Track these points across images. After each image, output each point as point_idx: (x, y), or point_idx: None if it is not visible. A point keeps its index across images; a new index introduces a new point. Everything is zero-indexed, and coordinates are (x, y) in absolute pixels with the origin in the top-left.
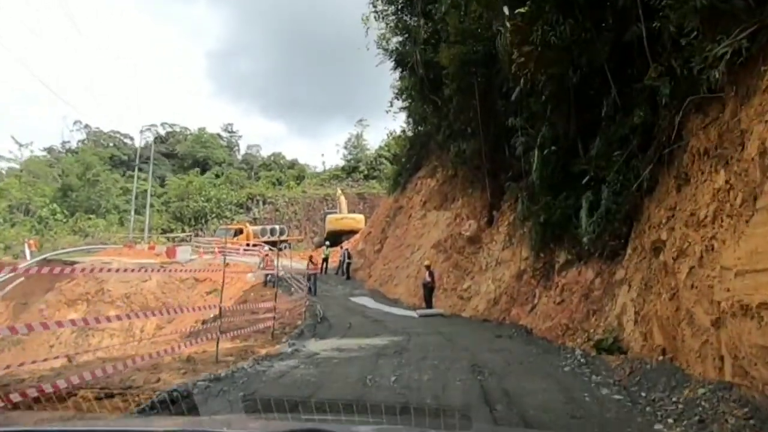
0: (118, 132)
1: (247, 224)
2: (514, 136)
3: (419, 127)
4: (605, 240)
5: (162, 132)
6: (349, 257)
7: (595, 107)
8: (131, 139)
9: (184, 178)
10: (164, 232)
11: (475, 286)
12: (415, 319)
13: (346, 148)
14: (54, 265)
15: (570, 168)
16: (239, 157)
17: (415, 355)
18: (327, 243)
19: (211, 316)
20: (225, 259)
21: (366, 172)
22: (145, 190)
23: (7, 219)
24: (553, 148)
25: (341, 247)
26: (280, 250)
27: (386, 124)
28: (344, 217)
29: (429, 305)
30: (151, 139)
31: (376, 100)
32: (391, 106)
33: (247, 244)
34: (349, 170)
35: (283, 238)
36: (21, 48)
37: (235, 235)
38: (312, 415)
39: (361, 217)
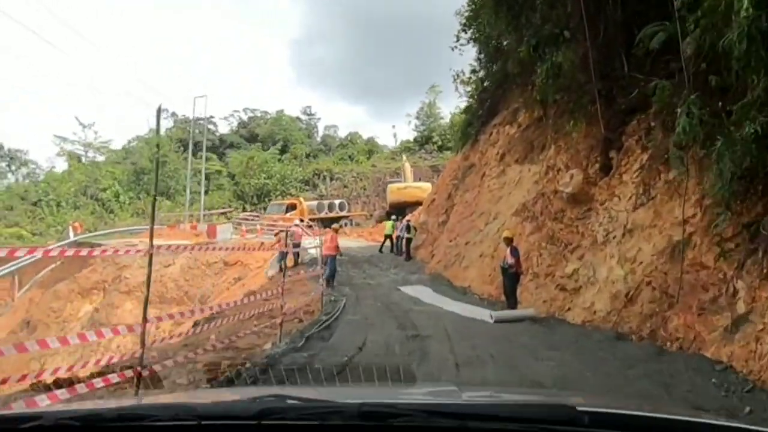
0: (202, 119)
1: (302, 199)
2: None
3: (492, 64)
4: None
5: (244, 117)
6: (408, 230)
7: None
8: (215, 125)
9: (246, 153)
10: (224, 212)
11: (587, 271)
12: (489, 326)
13: (418, 118)
14: (65, 249)
15: None
16: (318, 139)
17: None
18: (394, 217)
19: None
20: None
21: (440, 143)
22: (218, 171)
23: (70, 202)
24: None
25: (400, 221)
26: (340, 227)
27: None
28: (408, 186)
29: (512, 300)
30: (234, 124)
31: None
32: (457, 40)
33: (301, 221)
34: (422, 142)
35: (343, 213)
36: (114, 42)
37: (287, 210)
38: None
39: (428, 185)
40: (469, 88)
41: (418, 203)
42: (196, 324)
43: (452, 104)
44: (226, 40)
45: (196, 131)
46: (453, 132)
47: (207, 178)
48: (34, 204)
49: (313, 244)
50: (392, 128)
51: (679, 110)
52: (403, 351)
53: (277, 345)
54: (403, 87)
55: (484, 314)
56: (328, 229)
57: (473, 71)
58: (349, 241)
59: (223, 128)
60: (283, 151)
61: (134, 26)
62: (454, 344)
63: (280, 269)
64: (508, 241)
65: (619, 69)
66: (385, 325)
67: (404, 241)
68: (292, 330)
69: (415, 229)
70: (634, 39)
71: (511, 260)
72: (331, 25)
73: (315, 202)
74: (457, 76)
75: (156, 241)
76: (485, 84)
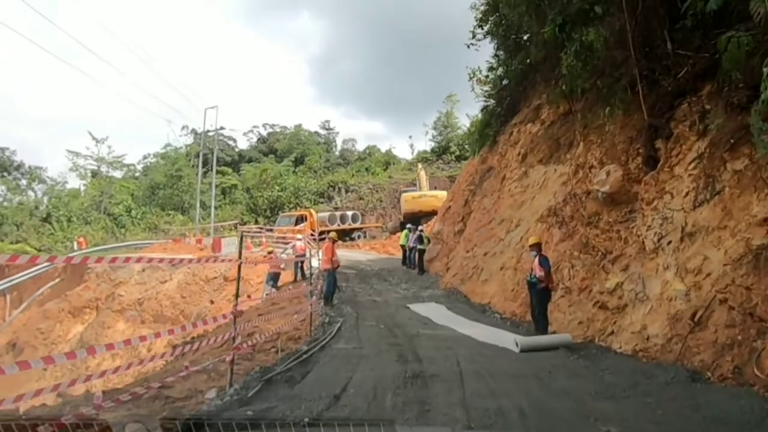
0: (222, 134)
1: (312, 210)
2: None
3: (512, 59)
4: None
5: (264, 132)
6: (421, 241)
7: None
8: (234, 141)
9: (258, 166)
10: (234, 224)
11: (633, 285)
12: (514, 358)
13: (435, 128)
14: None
15: None
16: (336, 153)
17: None
18: (409, 227)
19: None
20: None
21: (458, 153)
22: (233, 185)
23: (81, 217)
24: None
25: (413, 231)
26: (352, 239)
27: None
28: (423, 195)
29: (541, 323)
30: (254, 140)
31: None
32: (473, 36)
33: (312, 233)
34: (439, 152)
35: (356, 225)
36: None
37: (297, 222)
38: None
39: (444, 194)
40: (486, 87)
41: (434, 213)
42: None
43: (472, 111)
44: (247, 57)
45: (211, 145)
46: (470, 134)
47: (223, 192)
48: (44, 219)
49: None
50: (408, 138)
51: (765, 70)
52: (396, 402)
53: (224, 392)
54: (422, 101)
55: (508, 339)
56: (325, 240)
57: (491, 68)
58: (361, 254)
59: (243, 144)
60: (299, 163)
61: (154, 41)
62: (467, 389)
63: (274, 287)
64: (536, 248)
65: (662, 47)
66: (383, 356)
67: (416, 253)
68: (256, 367)
69: (428, 239)
70: (677, 12)
71: (539, 272)
72: (352, 42)
73: (326, 214)
74: (473, 74)
75: (164, 256)
76: (504, 81)
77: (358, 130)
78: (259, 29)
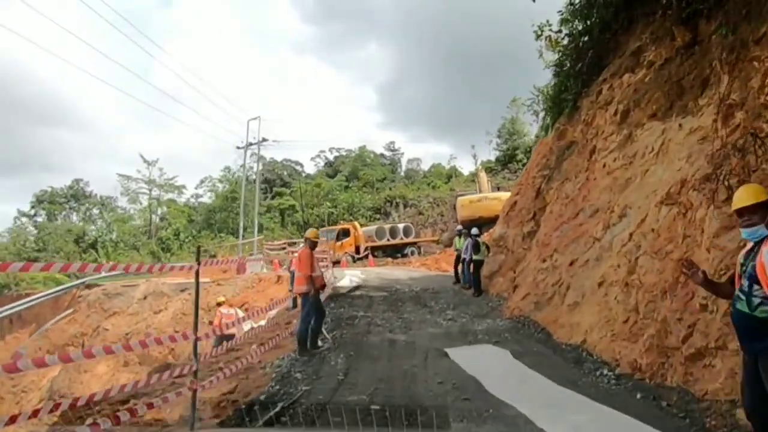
0: (290, 160)
1: (356, 223)
2: None
3: (593, 10)
4: None
5: (330, 156)
6: (477, 250)
7: None
8: (301, 165)
9: (310, 182)
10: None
11: None
12: None
13: (499, 136)
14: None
15: None
16: (402, 174)
17: None
18: (460, 229)
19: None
20: None
21: (525, 161)
22: (291, 206)
23: (128, 242)
24: None
25: (466, 235)
26: (404, 255)
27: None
28: (483, 198)
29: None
30: (321, 164)
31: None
32: None
33: (357, 249)
34: (505, 161)
35: (409, 239)
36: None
37: (339, 238)
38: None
39: (508, 196)
40: (559, 47)
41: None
42: None
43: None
44: (318, 88)
45: (284, 173)
46: (544, 100)
47: (281, 213)
48: (92, 246)
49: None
50: (471, 149)
51: None
52: None
53: None
54: (488, 120)
55: None
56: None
57: (564, 21)
58: (403, 271)
59: (310, 168)
60: (353, 178)
61: (223, 68)
62: None
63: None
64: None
65: None
66: None
67: (470, 266)
68: None
69: (487, 247)
70: None
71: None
72: (418, 67)
73: (374, 227)
74: (541, 31)
75: (176, 280)
76: (584, 32)
77: (425, 152)
78: (330, 61)
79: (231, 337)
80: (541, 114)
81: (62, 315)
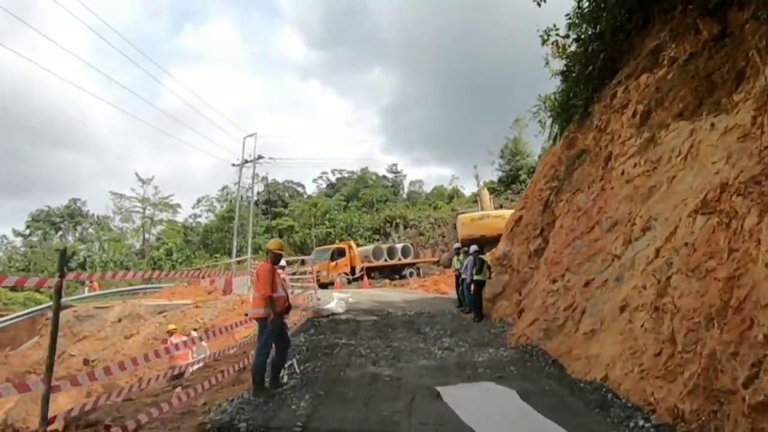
0: (292, 181)
1: (352, 243)
2: None
3: (603, 13)
4: None
5: (332, 178)
6: (479, 270)
7: None
8: (303, 186)
9: (307, 202)
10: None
11: None
12: None
13: (502, 156)
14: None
15: None
16: (404, 195)
17: None
18: (459, 247)
19: None
20: None
21: (528, 182)
22: (290, 226)
23: (120, 262)
24: None
25: (465, 253)
26: (402, 277)
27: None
28: (486, 216)
29: None
30: (323, 186)
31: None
32: None
33: (352, 269)
34: (507, 182)
35: (408, 260)
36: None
37: (334, 257)
38: None
39: (511, 213)
40: (566, 53)
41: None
42: None
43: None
44: (321, 112)
45: (286, 194)
46: (551, 107)
47: (281, 234)
48: (81, 266)
49: (338, 298)
50: (474, 169)
51: None
52: None
53: None
54: (491, 144)
55: None
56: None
57: (572, 24)
58: (398, 293)
59: (312, 189)
60: (352, 198)
61: (229, 91)
62: None
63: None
64: None
65: None
66: None
67: (470, 287)
68: None
69: (489, 267)
70: None
71: None
72: (421, 92)
73: (370, 247)
74: (547, 36)
75: (155, 302)
76: (595, 36)
77: (428, 175)
78: (335, 85)
79: (181, 375)
80: (548, 122)
81: (34, 339)
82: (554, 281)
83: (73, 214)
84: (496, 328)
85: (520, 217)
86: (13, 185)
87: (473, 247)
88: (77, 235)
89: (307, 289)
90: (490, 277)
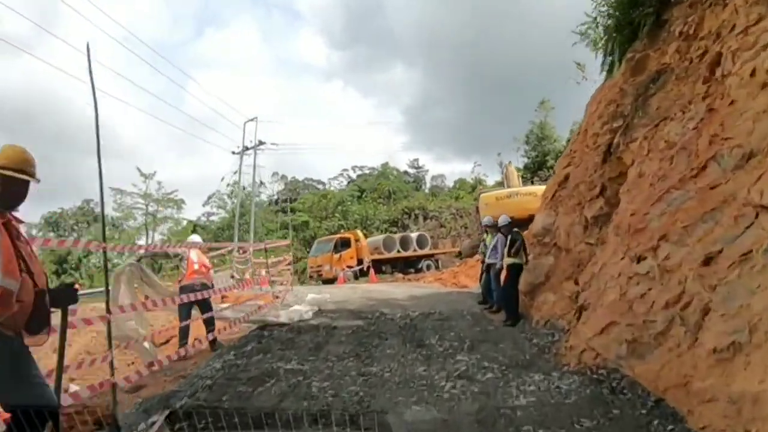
0: (311, 179)
1: (359, 232)
2: None
3: None
4: None
5: (353, 175)
6: (514, 251)
7: None
8: (323, 184)
9: (317, 193)
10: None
11: None
12: None
13: (527, 142)
14: None
15: None
16: (426, 191)
17: None
18: (487, 222)
19: None
20: None
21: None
22: (305, 222)
23: (115, 262)
24: None
25: (494, 233)
26: (418, 270)
27: (580, 99)
28: (514, 193)
29: None
30: (344, 183)
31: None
32: None
33: (359, 262)
34: (534, 168)
35: (424, 251)
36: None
37: (338, 249)
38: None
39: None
40: None
41: (532, 219)
42: None
43: (570, 119)
44: (344, 112)
45: (305, 191)
46: (604, 30)
47: (296, 229)
48: (74, 268)
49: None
50: (497, 156)
51: None
52: None
53: None
54: (515, 137)
55: None
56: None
57: None
58: (406, 288)
59: (332, 187)
60: (365, 192)
61: (252, 93)
62: None
63: None
64: None
65: None
66: None
67: (498, 275)
68: None
69: (524, 246)
70: None
71: None
72: (445, 88)
73: (381, 237)
74: None
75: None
76: None
77: (450, 171)
78: (357, 84)
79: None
80: (598, 53)
81: None
82: (639, 259)
83: (87, 215)
84: (540, 336)
85: (566, 177)
86: (45, 193)
87: (503, 218)
88: (90, 236)
89: (274, 285)
90: (527, 263)
